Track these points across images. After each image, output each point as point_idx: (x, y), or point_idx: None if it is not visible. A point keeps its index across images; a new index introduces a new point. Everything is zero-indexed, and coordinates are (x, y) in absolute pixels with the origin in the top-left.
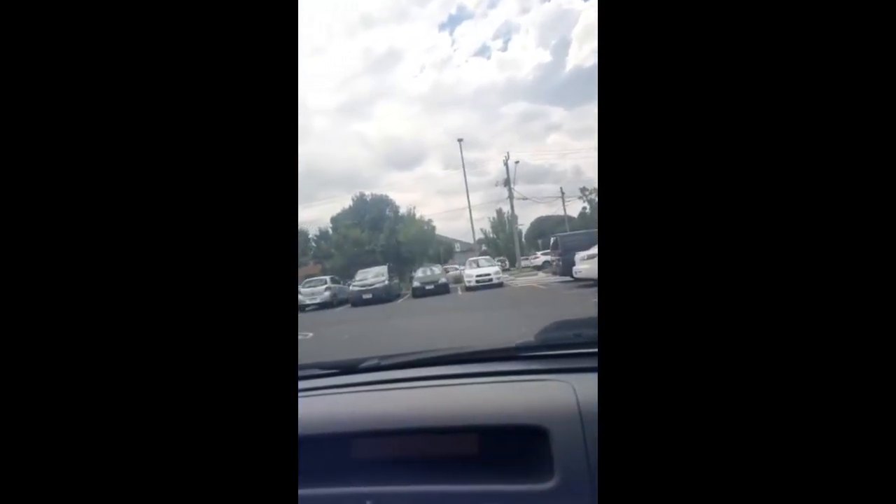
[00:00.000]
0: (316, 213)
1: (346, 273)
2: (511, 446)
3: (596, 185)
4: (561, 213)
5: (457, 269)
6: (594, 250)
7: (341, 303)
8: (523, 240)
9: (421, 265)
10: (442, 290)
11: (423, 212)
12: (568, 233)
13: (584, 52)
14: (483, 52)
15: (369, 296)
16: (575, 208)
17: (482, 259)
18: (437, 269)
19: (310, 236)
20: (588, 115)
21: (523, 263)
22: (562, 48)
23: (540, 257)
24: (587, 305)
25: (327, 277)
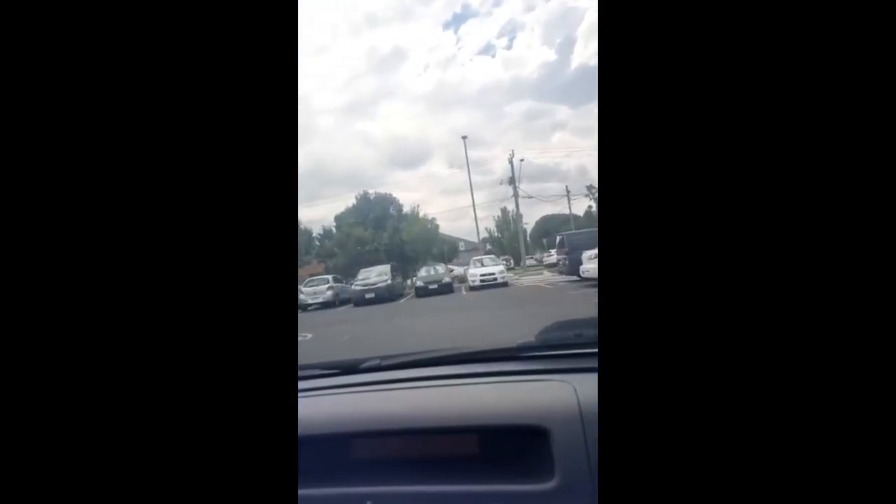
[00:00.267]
0: (320, 212)
1: (349, 272)
2: (512, 446)
3: None
4: (566, 211)
5: (453, 269)
6: None
7: (343, 302)
8: (528, 239)
9: (424, 264)
10: (445, 289)
11: (427, 211)
12: (574, 231)
13: (590, 50)
14: (488, 50)
15: (372, 295)
16: (580, 207)
17: (486, 258)
18: (441, 269)
19: (313, 235)
20: (593, 113)
21: (528, 262)
22: (567, 46)
23: (553, 255)
24: (595, 306)
25: (329, 276)
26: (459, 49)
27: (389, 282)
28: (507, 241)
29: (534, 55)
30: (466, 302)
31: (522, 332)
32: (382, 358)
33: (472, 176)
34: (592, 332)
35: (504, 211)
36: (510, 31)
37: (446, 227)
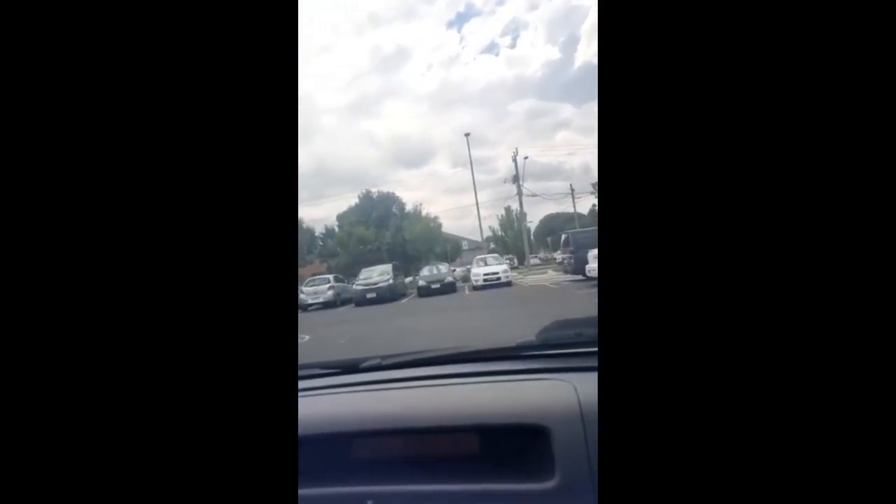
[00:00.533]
0: (324, 211)
1: (350, 271)
2: (512, 446)
3: None
4: (570, 210)
5: (455, 270)
6: None
7: (345, 302)
8: (532, 237)
9: (427, 263)
10: (448, 289)
11: (430, 210)
12: (579, 230)
13: (593, 48)
14: (491, 49)
15: (373, 295)
16: (585, 205)
17: (490, 257)
18: (444, 268)
19: (316, 234)
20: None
21: (532, 261)
22: (570, 44)
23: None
24: None
25: (330, 276)
26: (463, 48)
27: (391, 281)
28: (511, 239)
29: (537, 54)
30: (469, 302)
31: (527, 333)
32: (382, 357)
33: (475, 175)
34: (592, 331)
35: (507, 210)
36: (514, 30)
37: (449, 226)
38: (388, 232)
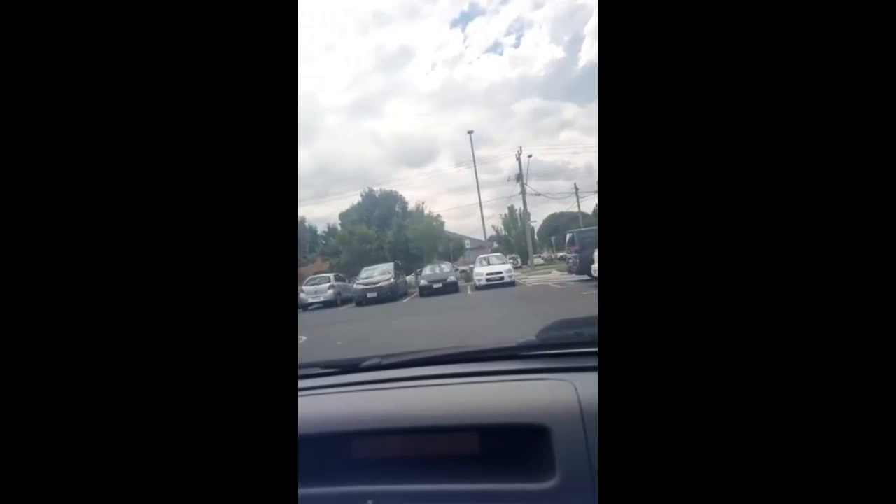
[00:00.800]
0: (327, 210)
1: (352, 270)
2: (512, 445)
3: None
4: (575, 209)
5: (461, 269)
6: None
7: (346, 301)
8: (536, 237)
9: (430, 262)
10: (451, 288)
11: (433, 209)
12: (585, 228)
13: None
14: (495, 48)
15: (374, 294)
16: (589, 205)
17: (493, 256)
18: (447, 267)
19: (319, 233)
20: None
21: (536, 261)
22: (575, 44)
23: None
24: None
25: (331, 275)
26: (467, 47)
27: (392, 280)
28: (515, 239)
29: (541, 53)
30: (472, 302)
31: (532, 336)
32: (383, 357)
33: (479, 174)
34: (592, 331)
35: (511, 209)
36: (518, 29)
37: (452, 225)
38: (391, 231)
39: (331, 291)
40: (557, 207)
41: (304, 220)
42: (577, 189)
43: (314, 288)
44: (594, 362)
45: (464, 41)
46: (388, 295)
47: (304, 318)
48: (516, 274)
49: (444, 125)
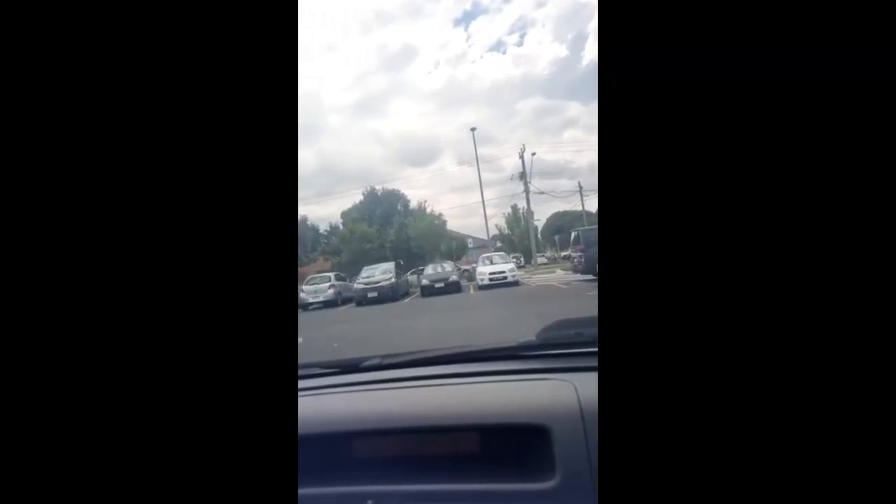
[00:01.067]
0: (331, 209)
1: (353, 269)
2: (512, 445)
3: None
4: (578, 208)
5: (457, 269)
6: None
7: (346, 301)
8: (539, 236)
9: (432, 261)
10: (453, 288)
11: (435, 208)
12: (590, 227)
13: None
14: (498, 47)
15: (375, 294)
16: (592, 204)
17: (496, 255)
18: (449, 267)
19: (321, 232)
20: None
21: (540, 260)
22: (578, 42)
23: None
24: None
25: (331, 274)
26: (470, 46)
27: (394, 280)
28: (518, 238)
29: (545, 51)
30: (475, 302)
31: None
32: (383, 357)
33: (482, 173)
34: (592, 331)
35: (514, 208)
36: (521, 28)
37: (455, 224)
38: (392, 230)
39: (331, 291)
40: (561, 206)
41: (306, 220)
42: (581, 188)
43: (314, 287)
44: (594, 362)
45: (467, 40)
46: (389, 295)
47: (303, 318)
48: (519, 273)
49: (447, 124)
